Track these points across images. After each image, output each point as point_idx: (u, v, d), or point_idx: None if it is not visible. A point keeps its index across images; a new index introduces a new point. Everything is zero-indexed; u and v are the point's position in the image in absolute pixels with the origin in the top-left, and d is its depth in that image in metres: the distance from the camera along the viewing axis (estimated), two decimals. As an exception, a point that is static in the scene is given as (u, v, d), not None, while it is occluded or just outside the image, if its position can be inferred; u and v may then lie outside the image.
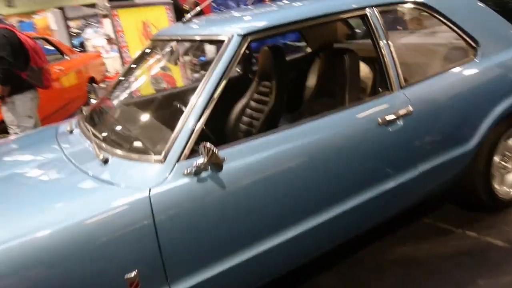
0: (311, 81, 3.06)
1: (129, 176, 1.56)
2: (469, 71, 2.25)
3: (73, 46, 12.46)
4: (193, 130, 1.59)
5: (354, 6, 2.01)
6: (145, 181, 1.51)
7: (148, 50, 2.53)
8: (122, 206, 1.43)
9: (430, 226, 2.52)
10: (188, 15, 2.24)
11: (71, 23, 15.66)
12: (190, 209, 1.51)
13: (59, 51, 6.31)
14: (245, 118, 3.08)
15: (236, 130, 3.06)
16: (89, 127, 1.99)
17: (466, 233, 2.41)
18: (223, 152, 1.62)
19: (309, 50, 3.56)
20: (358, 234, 2.14)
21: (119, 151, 1.68)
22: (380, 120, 1.91)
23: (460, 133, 2.23)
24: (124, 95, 2.40)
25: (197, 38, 1.97)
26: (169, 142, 1.57)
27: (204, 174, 1.55)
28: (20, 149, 2.20)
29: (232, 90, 3.37)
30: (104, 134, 1.88)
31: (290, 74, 3.25)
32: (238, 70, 3.40)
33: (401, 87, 2.04)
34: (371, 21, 2.03)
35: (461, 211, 2.60)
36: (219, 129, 3.06)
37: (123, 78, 2.50)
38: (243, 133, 3.04)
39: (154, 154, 1.59)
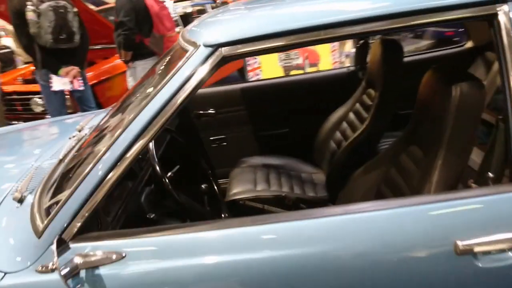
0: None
1: (4, 241, 1.11)
2: None
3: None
4: (89, 197, 1.00)
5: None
6: (7, 260, 1.03)
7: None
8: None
9: None
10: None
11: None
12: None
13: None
14: (338, 134, 2.28)
15: (325, 147, 2.30)
16: (75, 136, 1.61)
17: None
18: (125, 242, 1.00)
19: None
20: None
21: (38, 192, 1.24)
22: (459, 245, 0.92)
23: None
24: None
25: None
26: (56, 207, 1.04)
27: (82, 273, 0.98)
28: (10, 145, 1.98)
29: (336, 91, 2.53)
30: (65, 153, 1.46)
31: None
32: (349, 65, 2.49)
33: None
34: (504, 30, 0.96)
35: None
36: (309, 139, 2.33)
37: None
38: (331, 153, 2.25)
39: (43, 219, 1.08)
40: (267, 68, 3.90)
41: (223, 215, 1.64)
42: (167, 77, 1.04)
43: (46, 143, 1.91)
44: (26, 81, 4.27)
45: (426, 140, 1.32)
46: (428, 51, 2.72)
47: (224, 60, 1.02)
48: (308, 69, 4.20)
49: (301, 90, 2.51)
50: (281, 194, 1.99)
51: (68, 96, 3.58)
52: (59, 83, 3.23)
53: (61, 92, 3.36)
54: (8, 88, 4.22)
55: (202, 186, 1.81)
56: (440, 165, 1.18)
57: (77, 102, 3.61)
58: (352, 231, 0.99)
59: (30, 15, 3.06)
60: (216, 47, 1.02)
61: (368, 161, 1.70)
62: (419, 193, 1.23)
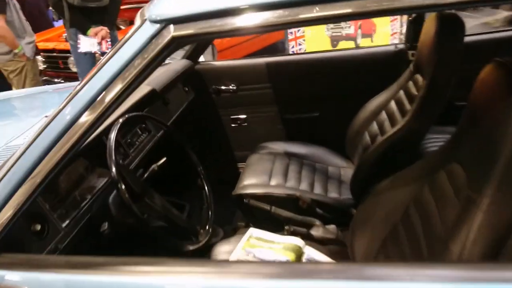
0: None
1: None
2: None
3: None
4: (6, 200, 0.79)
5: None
6: None
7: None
8: None
9: None
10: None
11: None
12: None
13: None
14: (374, 126, 1.92)
15: (358, 139, 1.97)
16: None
17: None
18: (38, 276, 0.78)
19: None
20: None
21: None
22: None
23: None
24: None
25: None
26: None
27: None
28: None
29: (378, 72, 2.10)
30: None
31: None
32: (400, 42, 2.06)
33: None
34: None
35: None
36: (342, 126, 1.99)
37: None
38: (363, 147, 1.91)
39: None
40: (312, 38, 3.47)
41: (207, 227, 1.38)
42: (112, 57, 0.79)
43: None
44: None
45: (473, 163, 0.96)
46: (506, 29, 2.20)
47: (175, 41, 0.73)
48: (361, 41, 3.72)
49: (337, 69, 2.14)
50: (295, 194, 1.71)
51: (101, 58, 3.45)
52: (87, 44, 3.08)
53: (90, 53, 3.21)
54: (49, 45, 4.18)
55: (199, 180, 1.57)
56: (486, 206, 0.83)
57: (108, 65, 3.47)
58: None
59: (59, -30, 2.90)
60: (164, 23, 0.72)
61: (401, 168, 1.35)
62: (452, 235, 0.89)
